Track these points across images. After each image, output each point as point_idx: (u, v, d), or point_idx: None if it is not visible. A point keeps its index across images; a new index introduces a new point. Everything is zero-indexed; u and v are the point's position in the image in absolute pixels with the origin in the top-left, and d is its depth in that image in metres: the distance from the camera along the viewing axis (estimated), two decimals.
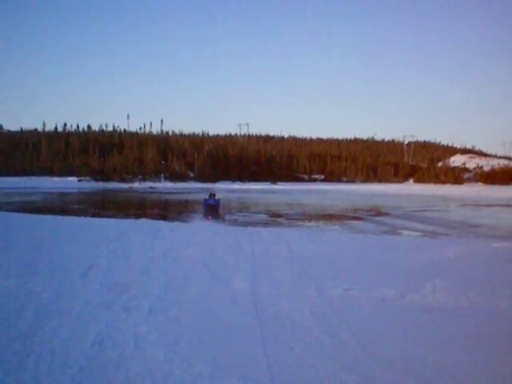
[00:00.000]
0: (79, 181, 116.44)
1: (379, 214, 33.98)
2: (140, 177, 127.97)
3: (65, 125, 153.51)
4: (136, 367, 5.16)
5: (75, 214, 29.07)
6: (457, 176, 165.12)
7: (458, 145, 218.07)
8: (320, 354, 5.64)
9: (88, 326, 6.42)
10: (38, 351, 5.52)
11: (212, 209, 27.24)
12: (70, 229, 17.80)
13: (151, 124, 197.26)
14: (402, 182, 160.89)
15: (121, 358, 5.40)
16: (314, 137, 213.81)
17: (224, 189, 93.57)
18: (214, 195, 28.82)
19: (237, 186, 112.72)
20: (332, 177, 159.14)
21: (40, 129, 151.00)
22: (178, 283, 9.05)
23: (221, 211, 28.30)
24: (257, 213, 33.23)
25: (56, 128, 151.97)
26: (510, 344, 6.20)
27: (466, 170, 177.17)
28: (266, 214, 32.68)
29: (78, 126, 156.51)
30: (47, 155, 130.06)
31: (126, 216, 28.83)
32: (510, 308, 7.81)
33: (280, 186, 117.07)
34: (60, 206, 39.77)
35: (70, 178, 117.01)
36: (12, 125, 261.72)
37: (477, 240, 17.69)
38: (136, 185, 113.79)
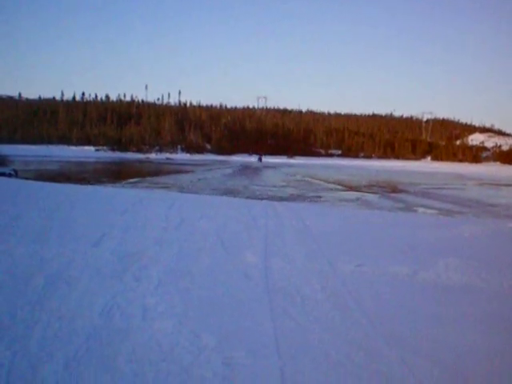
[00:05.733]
0: (96, 150, 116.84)
1: (395, 190, 33.82)
2: (157, 147, 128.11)
3: (83, 94, 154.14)
4: (143, 338, 5.13)
5: (91, 183, 29.11)
6: (475, 155, 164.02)
7: (476, 123, 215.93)
8: (329, 329, 5.60)
9: (97, 294, 6.41)
10: (45, 319, 5.50)
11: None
12: (85, 197, 17.85)
13: (169, 95, 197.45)
14: (420, 159, 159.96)
15: (128, 328, 5.38)
16: (331, 112, 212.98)
17: (240, 161, 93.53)
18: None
19: (253, 159, 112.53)
20: (349, 152, 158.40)
21: (58, 98, 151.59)
22: (190, 254, 9.02)
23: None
24: (273, 186, 33.16)
25: (74, 97, 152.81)
26: None
27: (485, 148, 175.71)
28: (281, 187, 32.60)
29: (96, 96, 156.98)
30: (65, 124, 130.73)
31: (142, 186, 28.82)
32: None
33: (297, 160, 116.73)
34: (76, 174, 39.91)
35: (87, 147, 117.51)
36: (30, 93, 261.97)
37: (493, 219, 17.56)
38: (153, 155, 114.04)
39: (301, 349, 5.03)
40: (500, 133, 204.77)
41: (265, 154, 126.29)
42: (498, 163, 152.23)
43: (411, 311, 6.39)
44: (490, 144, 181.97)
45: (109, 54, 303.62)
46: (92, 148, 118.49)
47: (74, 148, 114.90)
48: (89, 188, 23.47)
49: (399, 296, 7.03)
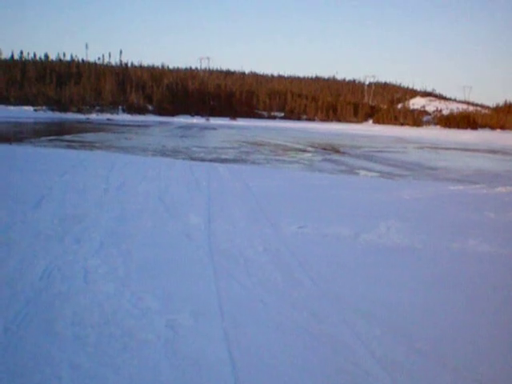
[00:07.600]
0: (35, 110, 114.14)
1: (338, 153, 33.98)
2: (97, 108, 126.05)
3: (21, 53, 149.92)
4: (85, 301, 5.06)
5: (30, 144, 28.46)
6: (416, 118, 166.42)
7: (418, 87, 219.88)
8: (272, 290, 5.62)
9: (38, 257, 6.29)
10: None
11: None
12: (24, 158, 17.50)
13: (110, 54, 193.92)
14: (362, 123, 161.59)
15: (70, 291, 5.30)
16: (275, 74, 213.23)
17: (183, 122, 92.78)
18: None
19: (196, 120, 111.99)
20: (292, 115, 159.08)
21: None
22: (132, 216, 8.95)
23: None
24: (215, 147, 32.99)
25: (12, 56, 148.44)
26: (460, 285, 6.25)
27: (426, 112, 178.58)
28: (223, 148, 32.45)
29: (34, 55, 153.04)
30: (2, 83, 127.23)
31: (82, 147, 28.31)
32: (462, 251, 7.89)
33: (239, 122, 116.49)
34: (15, 135, 38.95)
35: (26, 107, 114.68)
36: None
37: (433, 182, 17.82)
38: (93, 116, 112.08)
39: (244, 311, 5.04)
40: (441, 97, 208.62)
41: (207, 116, 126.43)
42: (439, 127, 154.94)
43: (353, 272, 6.47)
44: (430, 108, 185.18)
45: (49, 12, 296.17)
46: (31, 108, 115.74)
47: (12, 108, 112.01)
48: (28, 149, 22.97)
49: (341, 257, 7.10)
